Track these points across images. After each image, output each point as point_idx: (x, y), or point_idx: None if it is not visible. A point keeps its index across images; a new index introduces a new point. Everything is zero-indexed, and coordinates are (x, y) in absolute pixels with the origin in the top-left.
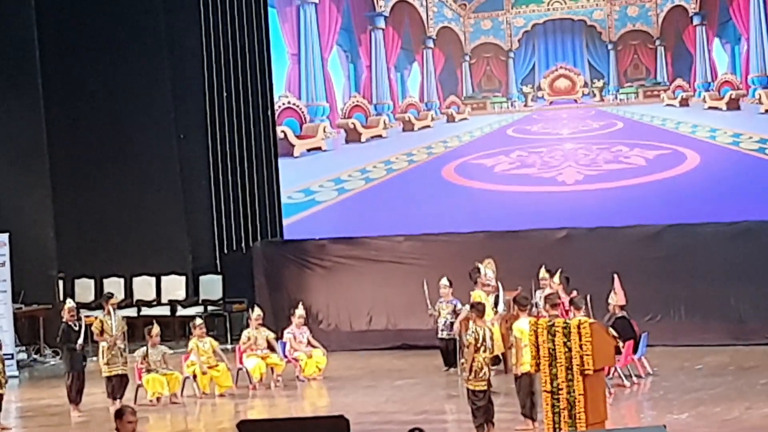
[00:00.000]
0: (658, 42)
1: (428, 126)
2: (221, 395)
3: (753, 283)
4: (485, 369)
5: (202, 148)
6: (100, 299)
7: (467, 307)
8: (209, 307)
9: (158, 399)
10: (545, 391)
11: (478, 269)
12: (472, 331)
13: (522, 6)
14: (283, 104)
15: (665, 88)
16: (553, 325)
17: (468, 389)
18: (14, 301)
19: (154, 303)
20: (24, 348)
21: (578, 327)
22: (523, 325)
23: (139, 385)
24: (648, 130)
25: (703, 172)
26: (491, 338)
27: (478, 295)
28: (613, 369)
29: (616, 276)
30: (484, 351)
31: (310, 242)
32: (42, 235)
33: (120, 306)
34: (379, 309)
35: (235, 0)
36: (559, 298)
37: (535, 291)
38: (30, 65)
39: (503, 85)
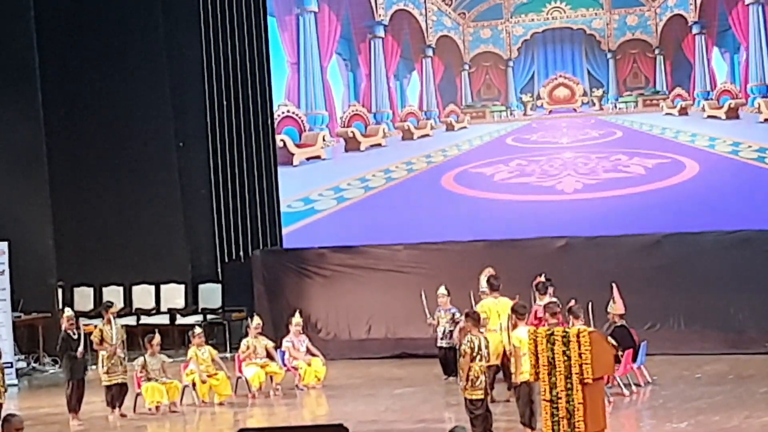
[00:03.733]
0: (657, 51)
1: (427, 135)
2: (220, 404)
3: (752, 292)
4: (481, 378)
5: (201, 157)
6: (100, 308)
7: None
8: (208, 316)
9: (157, 408)
10: (544, 399)
11: (497, 277)
12: (468, 340)
13: (521, 15)
14: (283, 113)
15: (664, 97)
16: (552, 333)
17: (465, 398)
18: (13, 309)
19: (153, 312)
20: (23, 356)
21: (577, 336)
22: (521, 334)
23: (138, 394)
24: (647, 139)
25: (703, 181)
26: (487, 347)
27: (484, 304)
28: (612, 378)
29: (614, 285)
30: (480, 360)
31: (309, 251)
32: (41, 244)
33: (119, 314)
34: (378, 318)
35: (235, 9)
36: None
37: (534, 300)
38: (29, 74)
39: (502, 94)
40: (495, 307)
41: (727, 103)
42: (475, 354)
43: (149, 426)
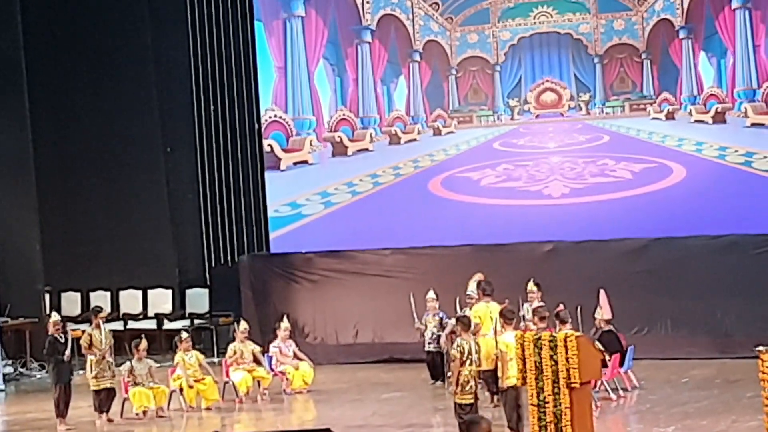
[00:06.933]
0: (644, 55)
1: (415, 139)
2: (208, 408)
3: (739, 296)
4: (471, 382)
5: (189, 162)
6: (89, 313)
7: (454, 320)
8: (196, 321)
9: (144, 412)
10: (532, 404)
11: (489, 282)
12: (458, 345)
13: (508, 20)
14: (270, 118)
15: (651, 101)
16: (539, 338)
17: (455, 403)
18: (0, 314)
19: (141, 316)
20: (10, 362)
21: (565, 340)
22: (508, 339)
23: (126, 399)
24: (634, 144)
25: (690, 185)
26: (477, 352)
27: (477, 309)
28: (599, 382)
29: (602, 291)
30: (470, 364)
31: (296, 255)
32: (28, 249)
33: (106, 320)
34: (365, 322)
35: (222, 13)
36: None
37: (522, 304)
38: (17, 79)
39: (490, 99)
40: (487, 312)
41: (713, 107)
42: (465, 358)
43: (136, 431)
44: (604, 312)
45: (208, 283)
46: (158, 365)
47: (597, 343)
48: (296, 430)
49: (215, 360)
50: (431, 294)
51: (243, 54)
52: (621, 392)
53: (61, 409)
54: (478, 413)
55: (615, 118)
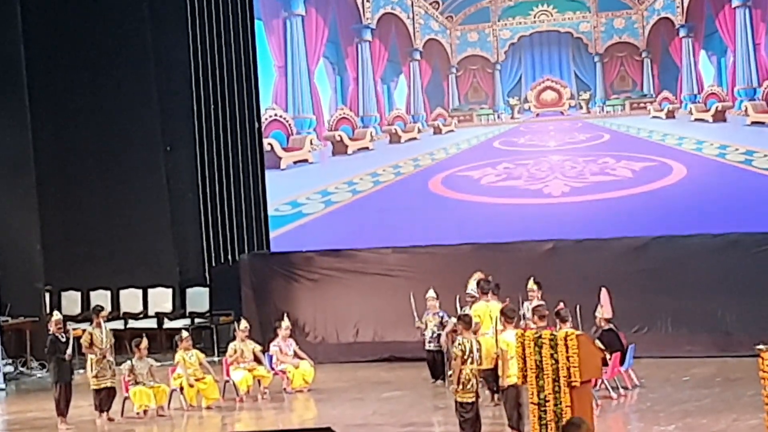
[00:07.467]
0: (644, 54)
1: (415, 138)
2: (208, 408)
3: (739, 294)
4: (473, 381)
5: (189, 161)
6: (89, 312)
7: (454, 319)
8: (196, 320)
9: (145, 411)
10: (532, 403)
11: (488, 281)
12: (459, 343)
13: (508, 18)
14: (270, 117)
15: (651, 100)
16: (540, 336)
17: (456, 401)
18: (1, 313)
19: (141, 315)
20: (11, 361)
21: (565, 339)
22: (509, 338)
23: (126, 398)
24: (634, 142)
25: (690, 184)
26: (479, 350)
27: (477, 308)
28: (600, 381)
29: (604, 289)
30: (471, 363)
31: (297, 254)
32: (29, 248)
33: (107, 319)
34: (366, 321)
35: (222, 12)
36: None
37: (522, 303)
38: (17, 79)
39: (490, 98)
40: (487, 311)
41: (714, 106)
42: (466, 357)
43: (137, 430)
44: (604, 310)
45: (209, 282)
46: (159, 364)
47: (597, 341)
48: (297, 428)
49: (216, 359)
50: (431, 293)
51: (243, 53)
52: (621, 391)
53: (62, 408)
54: (479, 412)
55: (615, 116)
